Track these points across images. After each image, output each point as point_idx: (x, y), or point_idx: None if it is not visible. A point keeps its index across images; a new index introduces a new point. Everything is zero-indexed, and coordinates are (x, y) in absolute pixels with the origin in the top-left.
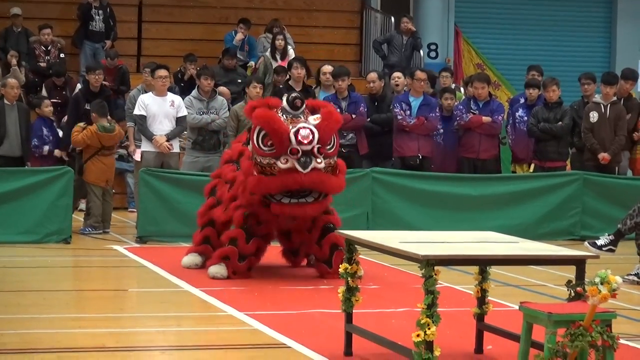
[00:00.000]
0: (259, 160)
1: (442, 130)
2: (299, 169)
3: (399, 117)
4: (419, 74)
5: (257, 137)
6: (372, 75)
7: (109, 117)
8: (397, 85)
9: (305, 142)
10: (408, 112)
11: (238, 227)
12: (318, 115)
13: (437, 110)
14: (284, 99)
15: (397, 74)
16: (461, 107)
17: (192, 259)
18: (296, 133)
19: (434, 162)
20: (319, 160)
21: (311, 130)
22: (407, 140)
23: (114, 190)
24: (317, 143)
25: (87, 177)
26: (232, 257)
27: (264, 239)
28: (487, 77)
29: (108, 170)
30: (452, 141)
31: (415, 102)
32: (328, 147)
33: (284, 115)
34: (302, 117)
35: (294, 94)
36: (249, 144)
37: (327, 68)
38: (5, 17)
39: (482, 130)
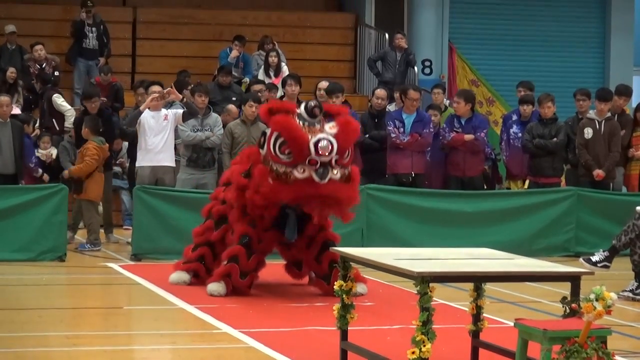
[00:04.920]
0: (274, 168)
1: (428, 148)
2: (317, 179)
3: (393, 134)
4: (412, 94)
5: (274, 143)
6: (382, 93)
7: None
8: (381, 102)
9: (325, 153)
10: (402, 129)
11: (239, 239)
12: (334, 124)
13: (431, 126)
14: (302, 105)
15: (379, 92)
16: (445, 125)
17: (180, 276)
18: (316, 144)
19: (427, 178)
20: (335, 172)
21: (330, 141)
22: (401, 158)
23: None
24: (336, 154)
25: (89, 195)
26: (233, 275)
27: (263, 253)
28: (468, 93)
29: (102, 186)
30: (438, 157)
31: (408, 119)
32: (344, 156)
33: (300, 122)
34: (318, 125)
35: (313, 102)
36: (262, 147)
37: (323, 84)
38: None
39: (466, 147)
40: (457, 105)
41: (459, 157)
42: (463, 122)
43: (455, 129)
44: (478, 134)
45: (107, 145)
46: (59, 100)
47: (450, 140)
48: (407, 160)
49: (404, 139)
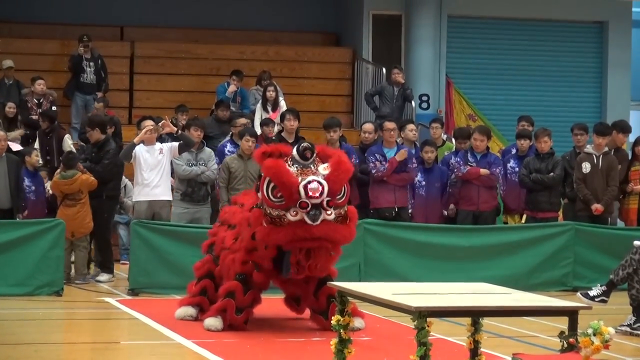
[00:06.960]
0: (268, 212)
1: (424, 183)
2: (309, 222)
3: (372, 170)
4: (387, 124)
5: (266, 188)
6: (369, 127)
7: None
8: (368, 136)
9: (315, 195)
10: (384, 162)
11: (235, 276)
12: (327, 165)
13: (414, 160)
14: (295, 148)
15: (366, 127)
16: (458, 159)
17: (186, 310)
18: (305, 186)
19: (414, 212)
20: (328, 212)
21: (320, 183)
22: (383, 192)
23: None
24: (327, 196)
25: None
26: (229, 310)
27: (259, 290)
28: (486, 129)
29: (73, 222)
30: (435, 193)
31: (389, 152)
32: (338, 196)
33: (294, 165)
34: (312, 167)
35: (304, 144)
36: (258, 191)
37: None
38: None
39: (480, 182)
40: (480, 142)
41: (474, 191)
42: (478, 157)
43: (469, 163)
44: (493, 169)
45: (75, 179)
46: (69, 141)
47: (466, 173)
48: (389, 195)
49: (383, 169)
